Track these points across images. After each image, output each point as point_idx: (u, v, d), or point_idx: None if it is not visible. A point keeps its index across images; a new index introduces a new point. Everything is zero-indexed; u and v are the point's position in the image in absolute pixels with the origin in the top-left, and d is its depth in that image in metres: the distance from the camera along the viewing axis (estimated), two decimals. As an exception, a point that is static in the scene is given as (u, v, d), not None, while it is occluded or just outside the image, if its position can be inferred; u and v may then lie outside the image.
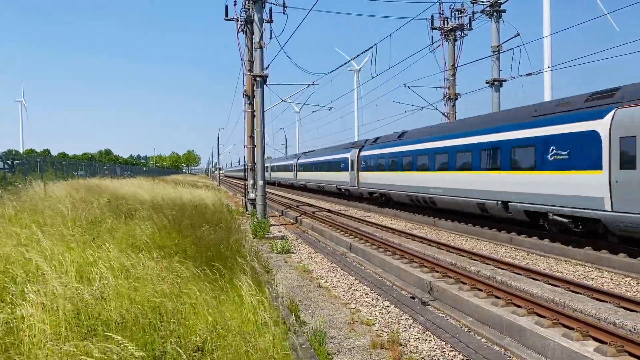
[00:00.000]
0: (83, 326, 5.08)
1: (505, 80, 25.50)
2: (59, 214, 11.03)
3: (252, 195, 24.70)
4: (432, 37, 27.89)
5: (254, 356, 4.83)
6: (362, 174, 31.74)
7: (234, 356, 4.79)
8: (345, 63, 40.49)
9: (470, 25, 27.49)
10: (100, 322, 5.20)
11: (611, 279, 11.39)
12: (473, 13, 26.93)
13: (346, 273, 12.87)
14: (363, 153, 31.79)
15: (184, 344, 4.89)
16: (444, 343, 7.69)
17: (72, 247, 7.96)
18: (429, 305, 9.90)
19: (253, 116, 24.70)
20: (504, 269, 12.02)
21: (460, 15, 27.57)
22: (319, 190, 44.43)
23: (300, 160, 52.41)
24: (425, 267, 12.47)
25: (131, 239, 9.36)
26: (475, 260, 13.27)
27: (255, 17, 22.77)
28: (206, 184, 45.50)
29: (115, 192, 20.50)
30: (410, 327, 8.46)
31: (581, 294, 9.63)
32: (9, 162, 25.38)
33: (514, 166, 16.41)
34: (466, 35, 27.86)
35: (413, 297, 10.47)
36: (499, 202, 17.11)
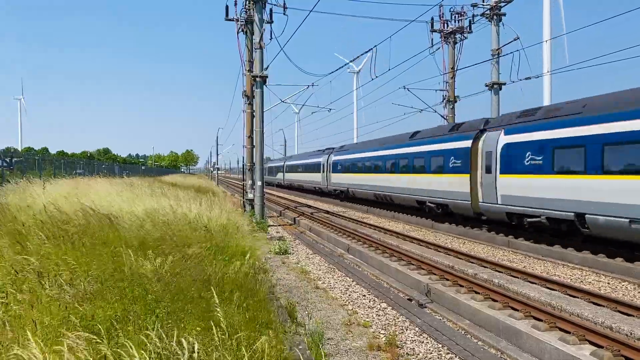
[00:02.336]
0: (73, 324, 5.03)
1: (504, 84, 25.53)
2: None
3: (250, 196, 24.68)
4: (432, 40, 27.94)
5: (252, 357, 4.82)
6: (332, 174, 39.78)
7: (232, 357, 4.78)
8: (345, 64, 40.38)
9: (470, 28, 27.52)
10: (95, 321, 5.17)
11: (608, 283, 11.41)
12: (473, 16, 26.98)
13: (344, 274, 12.87)
14: (333, 158, 39.74)
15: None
16: (440, 345, 7.70)
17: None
18: (426, 307, 9.91)
19: (252, 116, 24.70)
20: (501, 272, 12.03)
21: (460, 18, 27.60)
22: (319, 191, 45.39)
23: (287, 163, 61.25)
24: (423, 269, 12.48)
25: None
26: (472, 262, 13.28)
27: (256, 18, 22.77)
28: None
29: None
30: (407, 329, 8.46)
31: (578, 297, 9.65)
32: (7, 159, 25.33)
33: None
34: (466, 38, 27.90)
35: (410, 299, 10.48)
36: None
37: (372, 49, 22.99)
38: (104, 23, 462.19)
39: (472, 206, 19.16)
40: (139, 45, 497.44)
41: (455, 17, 27.72)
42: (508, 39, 24.82)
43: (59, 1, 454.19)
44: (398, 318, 9.10)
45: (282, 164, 63.82)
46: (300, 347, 6.06)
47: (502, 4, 24.96)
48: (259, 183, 23.36)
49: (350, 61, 46.79)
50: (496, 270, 12.22)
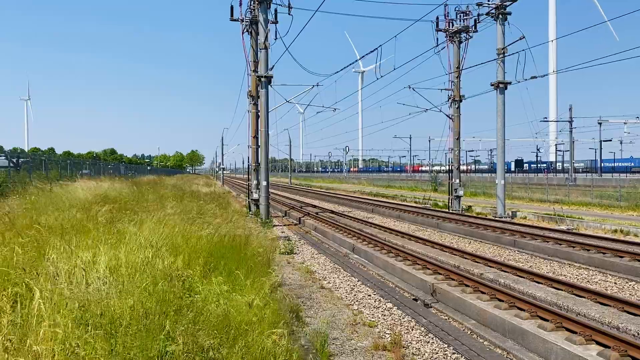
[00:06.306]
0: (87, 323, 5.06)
1: (510, 83, 25.43)
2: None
3: (255, 196, 24.70)
4: (437, 39, 27.86)
5: (259, 357, 4.84)
6: None
7: (236, 357, 4.80)
8: (352, 63, 40.46)
9: (475, 28, 27.43)
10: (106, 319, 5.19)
11: (615, 283, 11.35)
12: (478, 15, 26.85)
13: (349, 274, 12.87)
14: None
15: (193, 343, 4.85)
16: (446, 345, 7.68)
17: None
18: (431, 307, 9.89)
19: (257, 116, 24.72)
20: (507, 272, 11.99)
21: (465, 17, 27.52)
22: (324, 192, 45.16)
23: None
24: (428, 269, 12.45)
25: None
26: (478, 262, 13.24)
27: (261, 18, 22.78)
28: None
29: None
30: (412, 329, 8.45)
31: (585, 297, 9.60)
32: (14, 160, 25.49)
33: None
34: (471, 37, 27.80)
35: (416, 299, 10.46)
36: None
37: (377, 48, 22.99)
38: (110, 25, 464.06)
39: None
40: (144, 46, 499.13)
41: (460, 16, 27.65)
42: (514, 39, 24.76)
43: (63, 3, 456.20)
44: (403, 318, 9.09)
45: None
46: (306, 346, 6.07)
47: (508, 3, 24.85)
48: (264, 183, 23.38)
49: (361, 57, 46.30)
50: (502, 270, 12.18)
